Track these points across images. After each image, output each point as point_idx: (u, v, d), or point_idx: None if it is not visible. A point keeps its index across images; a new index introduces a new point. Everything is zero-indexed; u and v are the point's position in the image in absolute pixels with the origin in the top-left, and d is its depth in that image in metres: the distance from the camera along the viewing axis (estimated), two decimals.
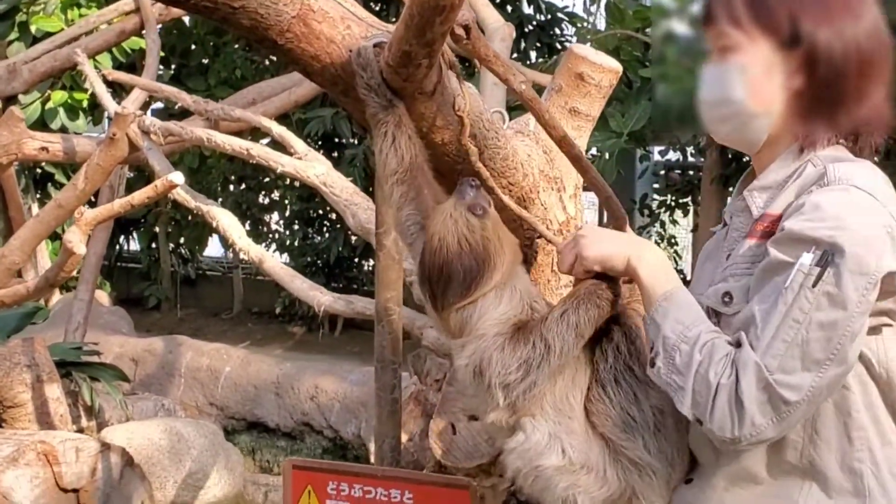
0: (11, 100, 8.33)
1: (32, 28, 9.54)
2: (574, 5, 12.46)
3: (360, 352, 11.10)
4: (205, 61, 12.96)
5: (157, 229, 14.79)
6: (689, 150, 10.86)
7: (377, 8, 11.78)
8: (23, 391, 5.84)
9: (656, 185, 12.11)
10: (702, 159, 10.56)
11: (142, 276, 15.12)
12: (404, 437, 3.30)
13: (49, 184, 11.62)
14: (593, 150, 7.44)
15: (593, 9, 11.05)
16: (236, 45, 12.70)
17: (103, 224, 7.34)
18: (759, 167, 2.10)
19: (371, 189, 2.46)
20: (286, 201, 14.35)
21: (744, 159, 8.43)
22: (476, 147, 2.54)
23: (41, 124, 9.30)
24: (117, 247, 15.27)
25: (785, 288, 1.87)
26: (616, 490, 2.14)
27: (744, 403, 1.85)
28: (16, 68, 7.70)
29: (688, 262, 12.41)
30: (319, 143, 12.22)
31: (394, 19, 2.24)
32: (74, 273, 6.98)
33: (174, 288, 14.88)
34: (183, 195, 4.86)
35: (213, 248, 15.43)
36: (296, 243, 14.11)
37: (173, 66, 12.79)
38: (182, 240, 14.97)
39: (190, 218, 13.90)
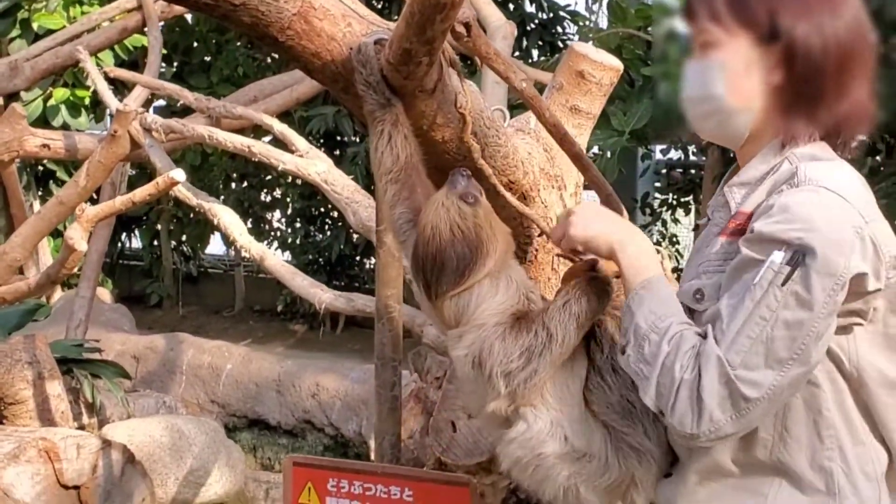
0: (13, 97, 8.34)
1: (34, 25, 9.54)
2: (576, 4, 12.43)
3: (361, 350, 11.09)
4: (207, 59, 12.95)
5: (158, 227, 14.79)
6: (691, 148, 10.85)
7: (379, 6, 11.76)
8: (24, 388, 5.85)
9: (658, 184, 12.10)
10: (703, 158, 10.55)
11: (143, 273, 15.12)
12: (405, 435, 3.31)
13: (51, 181, 11.63)
14: (595, 149, 7.44)
15: (595, 7, 11.07)
16: (238, 43, 12.69)
17: (105, 221, 7.35)
18: (743, 162, 2.10)
19: (372, 187, 2.47)
20: (288, 199, 14.34)
21: None
22: (477, 144, 2.55)
23: (43, 121, 9.31)
24: (119, 244, 15.26)
25: (753, 284, 1.87)
26: (616, 477, 2.15)
27: (703, 398, 1.85)
28: (18, 65, 7.70)
29: None
30: (321, 141, 12.22)
31: (395, 17, 2.24)
32: (76, 270, 6.99)
33: (176, 285, 14.88)
34: (184, 192, 4.86)
35: (215, 246, 15.43)
36: (297, 241, 14.10)
37: (175, 64, 12.78)
38: (184, 237, 14.96)
39: (192, 215, 13.90)
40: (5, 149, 6.52)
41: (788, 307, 1.83)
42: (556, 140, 2.68)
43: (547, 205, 3.14)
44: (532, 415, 2.16)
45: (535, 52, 11.88)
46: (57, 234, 10.00)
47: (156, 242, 15.05)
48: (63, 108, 9.71)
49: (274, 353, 10.11)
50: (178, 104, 7.99)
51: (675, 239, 12.56)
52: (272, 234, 14.48)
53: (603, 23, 10.63)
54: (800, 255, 1.82)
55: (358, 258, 13.67)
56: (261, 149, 4.66)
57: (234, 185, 14.40)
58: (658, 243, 9.87)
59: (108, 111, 6.83)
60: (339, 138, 12.59)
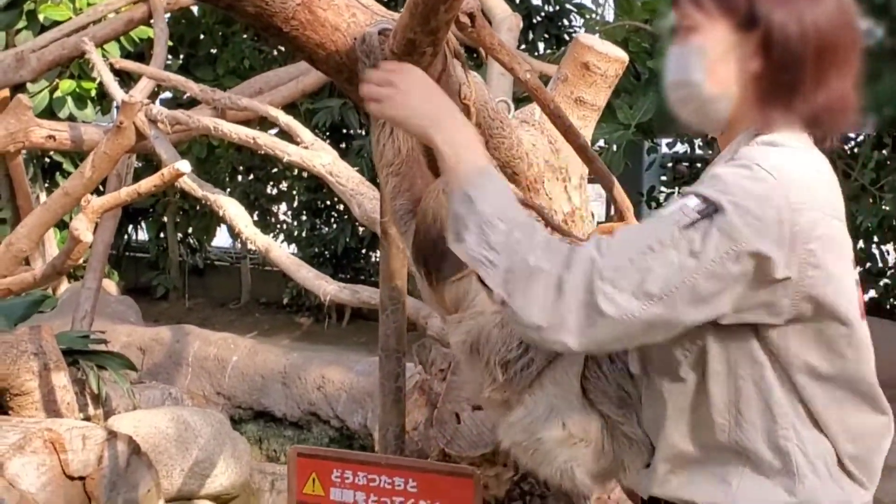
0: (19, 88, 8.34)
1: (40, 17, 9.54)
2: None
3: (366, 342, 11.10)
4: (213, 51, 12.96)
5: (165, 219, 14.79)
6: (697, 142, 10.84)
7: None
8: (30, 379, 5.86)
9: (664, 178, 12.08)
10: (710, 151, 10.54)
11: (150, 265, 15.13)
12: (409, 426, 3.31)
13: (57, 173, 11.64)
14: (601, 142, 7.44)
15: (602, 0, 11.05)
16: (245, 35, 12.70)
17: (111, 213, 7.35)
18: (723, 150, 2.08)
19: (377, 179, 2.46)
20: (294, 192, 14.35)
21: None
22: (481, 136, 2.54)
23: (49, 113, 9.31)
24: (125, 236, 15.28)
25: (658, 217, 1.86)
26: (610, 463, 2.15)
27: (564, 292, 1.82)
28: (24, 57, 7.70)
29: None
30: (327, 133, 12.22)
31: (400, 8, 2.24)
32: (82, 262, 7.00)
33: (182, 278, 14.89)
34: (190, 184, 4.86)
35: (222, 239, 15.44)
36: (303, 234, 14.11)
37: (182, 56, 12.79)
38: (190, 230, 14.97)
39: (198, 208, 13.92)
40: (11, 140, 6.52)
41: (678, 249, 1.80)
42: (561, 132, 2.68)
43: (551, 196, 3.15)
44: (531, 400, 2.17)
45: (541, 45, 11.87)
46: (63, 225, 10.01)
47: (162, 235, 15.06)
48: (69, 99, 9.71)
49: (280, 345, 10.12)
50: (185, 96, 8.01)
51: None
52: (278, 226, 14.49)
53: (609, 15, 10.64)
54: (711, 209, 1.80)
55: (364, 251, 13.67)
56: (266, 140, 4.66)
57: (240, 177, 14.40)
58: None
59: (114, 103, 6.83)
60: (344, 131, 12.60)
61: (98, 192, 7.71)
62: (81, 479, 5.24)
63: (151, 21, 7.88)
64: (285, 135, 4.92)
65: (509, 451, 2.28)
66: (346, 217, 13.26)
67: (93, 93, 9.72)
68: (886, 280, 10.22)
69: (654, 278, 1.80)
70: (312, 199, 13.81)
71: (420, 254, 2.22)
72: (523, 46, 10.89)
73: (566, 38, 11.61)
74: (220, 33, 12.83)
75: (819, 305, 1.86)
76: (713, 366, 1.92)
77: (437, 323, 3.63)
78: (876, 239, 9.96)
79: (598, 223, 2.31)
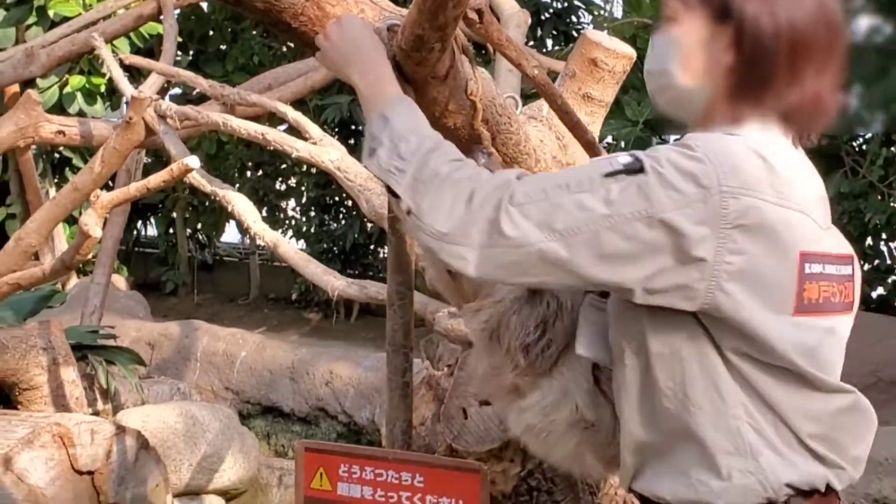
0: (29, 84, 8.37)
1: (50, 12, 9.58)
2: None
3: (374, 338, 11.12)
4: (223, 47, 12.99)
5: (174, 214, 14.83)
6: None
7: None
8: (39, 374, 5.87)
9: None
10: None
11: (159, 261, 15.17)
12: (416, 422, 3.31)
13: (67, 168, 11.68)
14: (609, 139, 7.44)
15: None
16: (254, 31, 12.73)
17: (120, 208, 7.38)
18: None
19: None
20: (303, 188, 14.38)
21: None
22: (488, 132, 2.55)
23: (59, 108, 9.35)
24: (135, 232, 15.32)
25: (587, 163, 1.86)
26: (617, 452, 2.15)
27: (472, 205, 1.81)
28: (34, 52, 7.71)
29: None
30: (336, 129, 12.24)
31: (408, 4, 2.25)
32: (91, 257, 7.01)
33: (191, 273, 14.93)
34: (199, 179, 4.87)
35: (231, 234, 15.49)
36: (312, 230, 14.14)
37: (191, 52, 12.82)
38: (199, 225, 15.02)
39: (207, 204, 13.96)
40: (21, 135, 6.54)
41: (594, 194, 1.78)
42: (569, 128, 2.69)
43: None
44: (547, 384, 2.18)
45: (549, 42, 11.89)
46: (72, 220, 10.06)
47: (171, 230, 15.09)
48: (79, 95, 9.75)
49: (288, 340, 10.14)
50: (194, 92, 8.02)
51: None
52: (287, 222, 14.52)
53: (618, 12, 10.64)
54: (637, 167, 1.78)
55: (372, 246, 13.70)
56: (275, 136, 4.67)
57: (249, 173, 14.44)
58: None
59: (124, 98, 6.84)
60: (353, 127, 12.62)
61: (107, 188, 7.72)
62: (90, 473, 5.25)
63: (161, 17, 7.90)
64: (294, 131, 4.93)
65: (519, 440, 2.28)
66: (354, 213, 13.28)
67: (102, 88, 9.77)
68: (895, 277, 10.21)
69: (562, 215, 1.78)
70: (321, 195, 13.84)
71: None
72: (532, 43, 10.91)
73: (574, 34, 11.62)
74: (230, 29, 12.86)
75: (741, 292, 1.80)
76: (655, 350, 1.88)
77: (445, 319, 3.63)
78: (884, 236, 9.96)
79: None
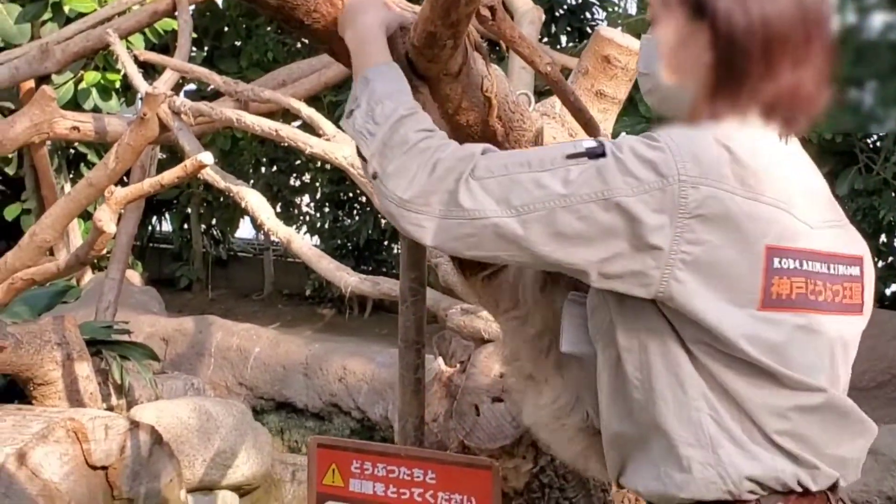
0: (44, 80, 8.39)
1: (66, 8, 9.61)
2: None
3: (387, 334, 11.13)
4: (237, 43, 13.01)
5: (189, 210, 14.87)
6: None
7: None
8: (53, 369, 5.89)
9: None
10: None
11: (173, 256, 15.22)
12: (428, 418, 3.32)
13: (82, 164, 11.71)
14: (622, 135, 7.42)
15: None
16: (269, 28, 12.75)
17: (134, 204, 7.39)
18: None
19: None
20: (317, 184, 14.40)
21: None
22: (502, 129, 2.55)
23: (74, 104, 9.37)
24: (149, 227, 15.37)
25: (552, 144, 1.87)
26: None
27: (435, 175, 1.83)
28: (49, 48, 7.75)
29: None
30: None
31: (422, 1, 2.25)
32: (106, 252, 7.04)
33: (206, 269, 14.97)
34: (212, 175, 4.89)
35: (245, 230, 15.53)
36: (326, 226, 14.16)
37: (206, 48, 12.84)
38: (214, 221, 15.05)
39: (222, 199, 13.99)
40: (36, 131, 6.56)
41: (554, 174, 1.79)
42: (581, 125, 2.68)
43: None
44: (561, 384, 2.19)
45: (563, 38, 11.88)
46: (87, 216, 10.08)
47: (186, 226, 15.14)
48: (94, 91, 9.78)
49: (302, 336, 10.16)
50: (209, 89, 8.04)
51: None
52: (301, 218, 14.54)
53: (632, 9, 10.62)
54: (599, 151, 1.78)
55: (386, 242, 13.72)
56: (288, 132, 4.68)
57: (263, 169, 14.46)
58: None
59: (139, 95, 6.87)
60: None
61: (122, 184, 7.75)
62: (104, 468, 5.27)
63: (176, 13, 7.92)
64: (308, 127, 4.94)
65: (530, 431, 2.30)
66: (368, 209, 13.30)
67: (117, 84, 9.79)
68: None
69: (520, 191, 1.79)
70: (335, 190, 13.86)
71: None
72: (546, 39, 10.90)
73: (589, 31, 11.61)
74: (244, 26, 12.88)
75: (699, 283, 1.79)
76: (622, 342, 1.88)
77: (457, 315, 3.64)
78: None
79: None
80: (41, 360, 5.84)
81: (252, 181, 13.36)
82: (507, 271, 2.26)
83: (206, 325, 9.09)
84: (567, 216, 1.78)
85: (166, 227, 15.91)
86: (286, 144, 4.74)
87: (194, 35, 8.65)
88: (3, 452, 4.91)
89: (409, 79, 2.24)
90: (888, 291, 10.11)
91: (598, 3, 12.13)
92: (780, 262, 1.82)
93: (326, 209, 14.34)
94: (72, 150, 11.72)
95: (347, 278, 4.30)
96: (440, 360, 3.65)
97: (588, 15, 12.14)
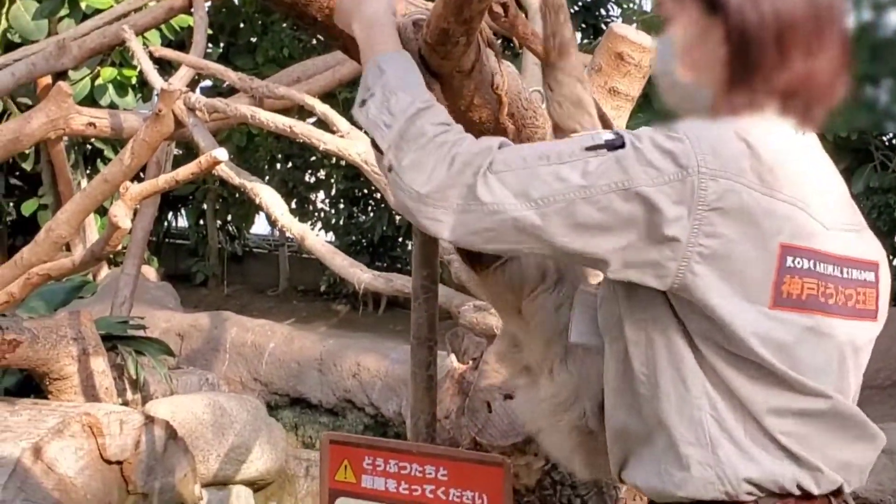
0: (61, 76, 8.42)
1: (82, 4, 9.64)
2: None
3: (402, 330, 11.14)
4: (253, 40, 13.03)
5: (204, 206, 14.91)
6: None
7: None
8: (69, 364, 5.92)
9: None
10: None
11: (189, 252, 15.26)
12: (440, 415, 3.32)
13: (98, 159, 11.76)
14: (642, 127, 7.41)
15: None
16: (284, 24, 12.76)
17: (150, 200, 7.42)
18: None
19: None
20: (332, 180, 14.42)
21: None
22: (514, 126, 2.55)
23: (91, 100, 9.41)
24: (165, 223, 15.42)
25: (570, 136, 1.87)
26: (605, 462, 2.14)
27: (453, 169, 1.81)
28: (65, 45, 7.77)
29: None
30: None
31: None
32: (122, 248, 7.06)
33: (221, 265, 15.01)
34: (227, 171, 4.90)
35: (260, 226, 15.56)
36: (341, 222, 14.18)
37: (222, 45, 12.86)
38: (229, 217, 15.08)
39: (237, 195, 14.01)
40: (52, 126, 6.58)
41: (572, 166, 1.77)
42: None
43: None
44: (560, 381, 2.19)
45: (578, 35, 11.84)
46: (104, 211, 10.11)
47: (201, 222, 15.18)
48: (110, 87, 9.81)
49: (316, 332, 10.18)
50: (225, 85, 8.05)
51: None
52: (316, 214, 14.56)
53: (647, 5, 10.60)
54: (618, 143, 1.77)
55: (400, 239, 13.73)
56: (302, 129, 4.68)
57: (278, 165, 14.50)
58: None
59: (155, 91, 6.89)
60: None
61: (138, 179, 7.77)
62: (119, 463, 5.29)
63: (192, 9, 7.94)
64: (323, 124, 4.94)
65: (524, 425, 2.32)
66: (383, 205, 13.31)
67: (133, 81, 9.82)
68: None
69: (539, 184, 1.78)
70: (350, 187, 13.87)
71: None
72: None
73: (603, 28, 11.60)
74: (260, 22, 12.90)
75: (713, 277, 1.78)
76: (630, 335, 1.88)
77: (470, 312, 3.64)
78: None
79: None
80: (57, 355, 5.87)
81: (267, 177, 13.38)
82: (520, 259, 2.26)
83: (221, 320, 9.11)
84: (587, 207, 1.76)
85: (182, 222, 15.95)
86: (301, 141, 4.75)
87: (210, 31, 8.66)
88: (19, 447, 4.93)
89: (422, 74, 2.24)
90: None
91: (612, 0, 12.12)
92: (793, 261, 1.81)
93: (341, 206, 14.36)
94: (88, 146, 11.76)
95: (361, 275, 4.30)
96: (453, 356, 3.65)
97: (602, 12, 12.14)
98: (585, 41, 11.07)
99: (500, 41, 2.58)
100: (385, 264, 13.44)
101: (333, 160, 13.32)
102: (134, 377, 6.61)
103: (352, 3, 2.13)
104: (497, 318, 3.52)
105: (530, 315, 2.29)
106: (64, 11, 9.81)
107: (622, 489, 3.24)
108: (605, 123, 2.61)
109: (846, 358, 1.92)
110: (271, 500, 7.13)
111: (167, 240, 15.66)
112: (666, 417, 1.86)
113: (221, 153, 4.72)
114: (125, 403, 6.36)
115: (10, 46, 9.43)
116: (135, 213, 6.57)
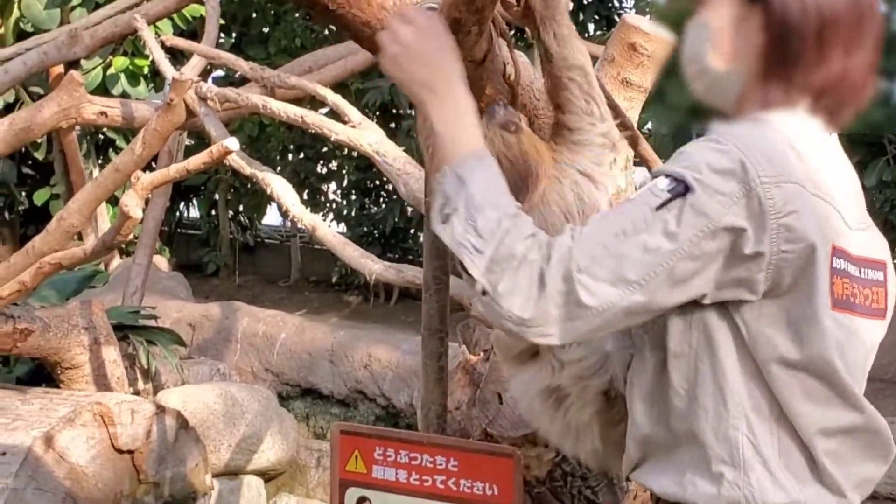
0: (73, 65, 8.42)
1: None
2: None
3: (413, 321, 11.13)
4: (265, 30, 13.02)
5: (216, 196, 14.91)
6: None
7: None
8: (80, 353, 5.93)
9: None
10: None
11: (201, 242, 15.27)
12: (451, 406, 3.32)
13: (110, 149, 11.77)
14: (650, 125, 7.41)
15: None
16: (297, 14, 12.74)
17: (162, 189, 7.42)
18: None
19: (424, 159, 2.49)
20: (344, 171, 14.41)
21: None
22: (526, 116, 2.54)
23: (103, 90, 9.42)
24: (177, 213, 15.43)
25: (629, 200, 1.82)
26: (619, 435, 2.14)
27: (546, 284, 1.76)
28: (77, 34, 7.75)
29: None
30: (377, 113, 12.25)
31: None
32: (133, 237, 7.06)
33: (233, 255, 15.01)
34: (238, 161, 4.89)
35: (272, 217, 15.55)
36: (352, 213, 14.18)
37: (234, 34, 12.86)
38: (241, 207, 15.08)
39: (249, 186, 14.02)
40: (64, 116, 6.57)
41: (653, 232, 1.75)
42: None
43: None
44: (594, 343, 2.17)
45: (591, 26, 11.83)
46: (115, 201, 10.09)
47: (213, 212, 15.18)
48: (122, 76, 9.82)
49: (328, 323, 10.18)
50: (237, 75, 8.04)
51: None
52: (328, 205, 14.56)
53: None
54: (681, 188, 1.74)
55: (412, 230, 13.72)
56: (314, 119, 4.67)
57: (290, 156, 14.49)
58: None
59: (166, 80, 6.89)
60: (394, 111, 12.63)
61: (149, 169, 7.77)
62: (130, 452, 5.30)
63: None
64: (335, 114, 4.93)
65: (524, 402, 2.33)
66: (395, 197, 13.30)
67: (146, 70, 9.82)
68: None
69: (631, 264, 1.75)
70: (362, 178, 13.86)
71: None
72: None
73: (616, 19, 11.55)
74: (272, 12, 12.89)
75: (794, 281, 1.79)
76: (674, 348, 1.87)
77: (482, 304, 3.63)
78: None
79: None
80: (68, 345, 5.88)
81: (279, 168, 13.38)
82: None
83: (232, 311, 9.11)
84: (683, 264, 1.76)
85: (194, 212, 15.95)
86: (312, 131, 4.73)
87: (222, 21, 8.65)
88: (31, 435, 4.95)
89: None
90: None
91: None
92: (837, 262, 1.83)
93: (353, 196, 14.35)
94: (100, 136, 11.77)
95: (372, 266, 4.30)
96: (464, 348, 3.64)
97: (616, 3, 12.10)
98: (598, 33, 11.06)
99: (512, 32, 2.57)
100: (397, 255, 13.43)
101: (345, 151, 13.32)
102: (145, 367, 6.61)
103: (417, 61, 2.01)
104: None
105: None
106: (76, 0, 9.81)
107: (632, 482, 3.24)
108: (617, 115, 2.60)
109: (868, 360, 1.94)
110: (282, 491, 7.14)
111: (179, 230, 15.67)
112: (700, 432, 1.86)
113: (233, 143, 4.71)
114: (136, 393, 6.37)
115: (23, 35, 9.43)
116: (146, 203, 6.58)
